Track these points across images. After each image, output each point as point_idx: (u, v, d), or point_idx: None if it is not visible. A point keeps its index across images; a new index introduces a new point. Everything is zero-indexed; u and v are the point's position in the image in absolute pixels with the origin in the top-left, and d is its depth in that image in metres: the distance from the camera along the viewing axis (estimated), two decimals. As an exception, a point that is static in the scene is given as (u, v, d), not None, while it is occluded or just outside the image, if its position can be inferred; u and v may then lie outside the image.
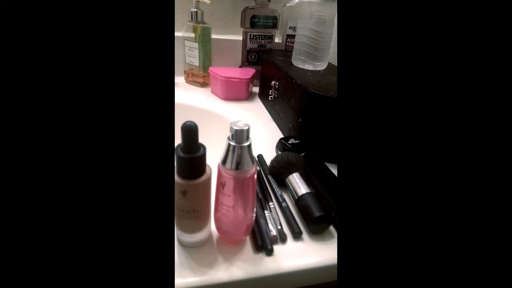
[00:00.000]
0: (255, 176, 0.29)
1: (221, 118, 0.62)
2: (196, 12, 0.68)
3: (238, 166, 0.27)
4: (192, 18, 0.69)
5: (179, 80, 0.78)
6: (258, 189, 0.39)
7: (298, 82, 0.50)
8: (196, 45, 0.70)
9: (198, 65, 0.73)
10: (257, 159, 0.47)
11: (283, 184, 0.40)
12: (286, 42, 0.78)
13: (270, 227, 0.34)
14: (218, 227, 0.32)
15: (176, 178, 0.27)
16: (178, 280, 0.27)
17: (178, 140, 0.25)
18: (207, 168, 0.28)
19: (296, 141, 0.48)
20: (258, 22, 0.72)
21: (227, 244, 0.32)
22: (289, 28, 0.76)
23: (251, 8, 0.71)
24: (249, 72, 0.72)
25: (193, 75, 0.76)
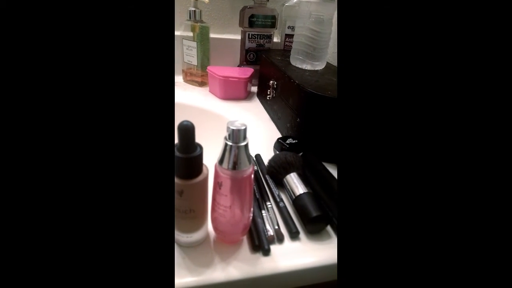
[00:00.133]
0: (252, 176, 0.29)
1: (219, 118, 0.62)
2: (195, 11, 0.68)
3: (235, 166, 0.27)
4: (190, 17, 0.69)
5: (177, 79, 0.78)
6: (255, 188, 0.39)
7: (296, 81, 0.50)
8: (194, 44, 0.70)
9: (196, 64, 0.73)
10: (255, 158, 0.47)
11: (281, 184, 0.40)
12: (284, 41, 0.78)
13: (267, 227, 0.34)
14: (215, 227, 0.32)
15: (173, 178, 0.27)
16: (175, 280, 0.27)
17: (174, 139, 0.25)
18: (204, 168, 0.28)
19: (294, 141, 0.48)
20: (257, 22, 0.72)
21: (224, 244, 0.32)
22: (288, 27, 0.76)
23: (249, 8, 0.71)
24: (248, 71, 0.72)
25: (191, 74, 0.76)
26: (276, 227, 0.34)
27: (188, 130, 0.25)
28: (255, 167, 0.44)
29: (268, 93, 0.63)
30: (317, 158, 0.45)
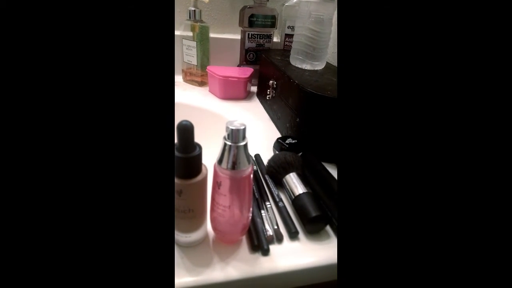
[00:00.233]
0: (251, 175, 0.29)
1: (219, 118, 0.62)
2: (194, 10, 0.68)
3: (234, 165, 0.27)
4: (190, 17, 0.69)
5: (177, 79, 0.78)
6: (255, 188, 0.39)
7: (296, 81, 0.50)
8: (194, 44, 0.70)
9: (196, 64, 0.73)
10: (254, 158, 0.47)
11: (280, 184, 0.40)
12: (284, 41, 0.78)
13: (267, 227, 0.34)
14: (214, 227, 0.32)
15: (172, 177, 0.27)
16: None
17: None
18: (203, 168, 0.28)
19: (293, 141, 0.48)
20: (257, 21, 0.72)
21: (223, 244, 0.32)
22: (288, 27, 0.76)
23: (249, 7, 0.71)
24: (247, 71, 0.72)
25: (191, 74, 0.76)
26: (275, 227, 0.34)
27: (187, 130, 0.25)
28: (255, 167, 0.44)
29: (268, 93, 0.63)
30: (317, 158, 0.45)
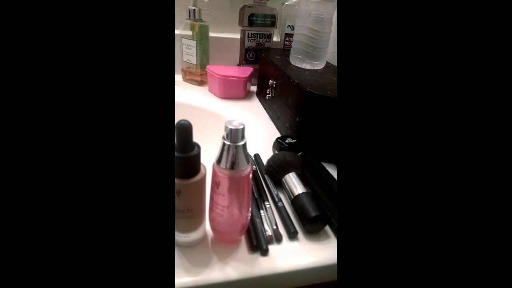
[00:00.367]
0: (250, 175, 0.29)
1: (219, 117, 0.62)
2: (194, 10, 0.68)
3: (233, 165, 0.27)
4: (189, 16, 0.69)
5: (177, 78, 0.77)
6: (254, 188, 0.39)
7: (296, 81, 0.50)
8: (193, 43, 0.70)
9: (195, 63, 0.73)
10: (253, 158, 0.47)
11: (280, 184, 0.40)
12: (284, 41, 0.77)
13: (266, 227, 0.34)
14: (213, 227, 0.32)
15: (170, 177, 0.26)
16: (171, 280, 0.27)
17: (172, 139, 0.25)
18: (201, 167, 0.28)
19: (293, 141, 0.48)
20: (257, 21, 0.72)
21: (222, 244, 0.32)
22: (288, 27, 0.75)
23: (249, 6, 0.71)
24: (247, 70, 0.72)
25: (190, 73, 0.76)
26: (275, 227, 0.34)
27: (185, 129, 0.25)
28: (254, 167, 0.44)
29: (268, 92, 0.63)
30: (316, 158, 0.45)
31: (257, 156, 0.47)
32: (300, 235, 0.34)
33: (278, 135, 0.56)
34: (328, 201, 0.37)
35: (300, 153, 0.45)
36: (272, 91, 0.61)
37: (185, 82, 0.77)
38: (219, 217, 0.30)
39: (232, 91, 0.70)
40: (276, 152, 0.47)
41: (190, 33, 0.70)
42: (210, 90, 0.73)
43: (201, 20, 0.70)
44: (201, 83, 0.76)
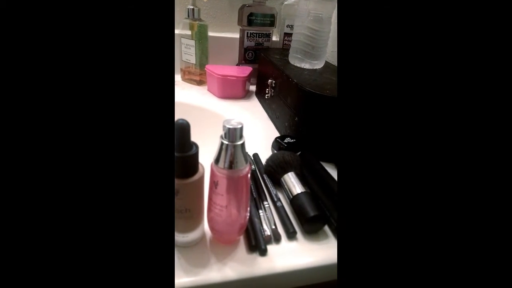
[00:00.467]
0: (249, 175, 0.29)
1: (218, 117, 0.62)
2: (193, 9, 0.68)
3: (231, 165, 0.27)
4: (189, 15, 0.68)
5: (176, 77, 0.77)
6: (253, 188, 0.39)
7: (295, 80, 0.49)
8: (192, 42, 0.70)
9: (194, 62, 0.72)
10: (252, 158, 0.47)
11: (279, 184, 0.40)
12: (283, 40, 0.77)
13: (264, 226, 0.33)
14: (211, 227, 0.31)
15: (168, 177, 0.26)
16: (170, 281, 0.27)
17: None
18: (200, 167, 0.28)
19: (292, 140, 0.48)
20: (256, 20, 0.72)
21: (221, 244, 0.32)
22: (287, 26, 0.75)
23: (248, 6, 0.70)
24: (246, 70, 0.71)
25: (189, 73, 0.76)
26: (273, 227, 0.34)
27: (183, 129, 0.25)
28: (253, 167, 0.44)
29: (267, 92, 0.63)
30: (315, 158, 0.45)
31: (256, 155, 0.47)
32: (299, 235, 0.34)
33: (277, 134, 0.56)
34: (327, 200, 0.37)
35: (299, 153, 0.45)
36: (271, 90, 0.61)
37: (184, 82, 0.77)
38: (217, 217, 0.30)
39: (231, 91, 0.70)
40: (275, 151, 0.47)
41: (189, 32, 0.69)
42: (209, 90, 0.73)
43: (200, 20, 0.70)
44: (200, 82, 0.75)
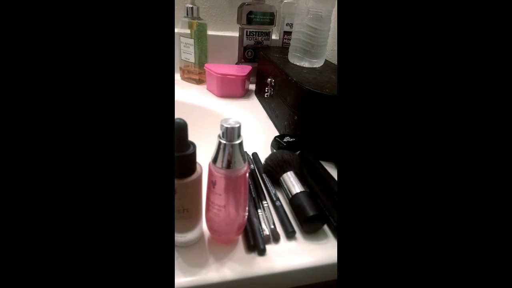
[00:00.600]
0: (247, 174, 0.29)
1: (217, 116, 0.62)
2: (192, 8, 0.67)
3: (229, 164, 0.27)
4: (187, 14, 0.68)
5: (175, 77, 0.77)
6: (252, 187, 0.38)
7: (294, 79, 0.49)
8: (191, 41, 0.69)
9: (193, 61, 0.72)
10: (252, 157, 0.47)
11: (278, 183, 0.40)
12: (283, 39, 0.77)
13: (263, 226, 0.33)
14: (210, 227, 0.31)
15: (166, 176, 0.26)
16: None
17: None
18: (197, 167, 0.28)
19: (291, 139, 0.47)
20: (255, 19, 0.71)
21: (219, 244, 0.32)
22: (286, 24, 0.75)
23: (247, 4, 0.70)
24: (245, 69, 0.71)
25: (188, 71, 0.75)
26: (272, 226, 0.33)
27: (180, 128, 0.25)
28: (252, 166, 0.44)
29: (266, 91, 0.62)
30: (315, 157, 0.45)
31: (255, 155, 0.47)
32: (298, 234, 0.34)
33: (277, 133, 0.56)
34: (326, 200, 0.36)
35: (298, 152, 0.45)
36: (270, 89, 0.61)
37: (183, 81, 0.77)
38: (215, 217, 0.29)
39: (230, 90, 0.69)
40: (275, 150, 0.47)
41: (188, 31, 0.69)
42: (208, 89, 0.73)
43: (199, 18, 0.69)
44: (199, 81, 0.75)
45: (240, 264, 0.30)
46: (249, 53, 0.76)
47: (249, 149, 0.48)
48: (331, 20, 0.57)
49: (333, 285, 0.34)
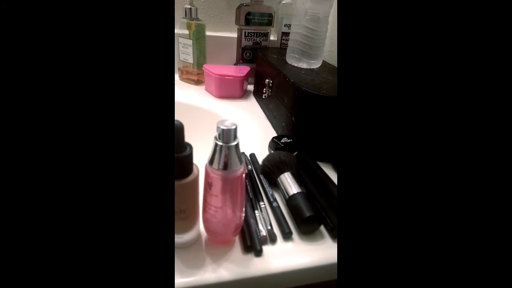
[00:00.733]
0: (244, 176, 0.29)
1: (215, 116, 0.62)
2: (190, 8, 0.68)
3: (225, 166, 0.27)
4: (186, 15, 0.68)
5: (173, 77, 0.77)
6: (249, 188, 0.39)
7: (292, 80, 0.49)
8: (190, 42, 0.70)
9: (192, 62, 0.72)
10: (249, 158, 0.47)
11: (275, 184, 0.40)
12: (281, 39, 0.77)
13: (260, 227, 0.33)
14: (207, 228, 0.31)
15: (162, 178, 0.26)
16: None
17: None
18: (194, 168, 0.28)
19: (288, 140, 0.48)
20: (253, 19, 0.71)
21: (216, 244, 0.32)
22: (284, 25, 0.75)
23: (246, 5, 0.70)
24: (244, 70, 0.71)
25: (187, 72, 0.76)
26: (269, 227, 0.34)
27: (177, 130, 0.25)
28: (249, 167, 0.44)
29: (264, 91, 0.62)
30: (312, 158, 0.45)
31: (252, 155, 0.47)
32: (295, 235, 0.34)
33: (274, 134, 0.56)
34: (323, 201, 0.37)
35: (295, 153, 0.45)
36: (268, 90, 0.61)
37: (182, 82, 0.77)
38: (212, 218, 0.30)
39: (228, 91, 0.69)
40: (272, 151, 0.47)
41: (186, 32, 0.69)
42: (206, 90, 0.73)
43: (197, 19, 0.69)
44: (197, 82, 0.75)
45: (237, 265, 0.30)
46: (247, 54, 0.77)
47: (247, 150, 0.48)
48: (329, 21, 0.58)
49: (330, 286, 0.34)
